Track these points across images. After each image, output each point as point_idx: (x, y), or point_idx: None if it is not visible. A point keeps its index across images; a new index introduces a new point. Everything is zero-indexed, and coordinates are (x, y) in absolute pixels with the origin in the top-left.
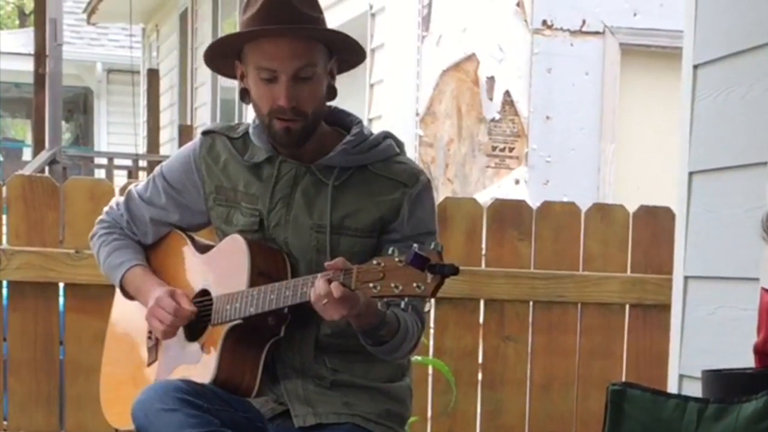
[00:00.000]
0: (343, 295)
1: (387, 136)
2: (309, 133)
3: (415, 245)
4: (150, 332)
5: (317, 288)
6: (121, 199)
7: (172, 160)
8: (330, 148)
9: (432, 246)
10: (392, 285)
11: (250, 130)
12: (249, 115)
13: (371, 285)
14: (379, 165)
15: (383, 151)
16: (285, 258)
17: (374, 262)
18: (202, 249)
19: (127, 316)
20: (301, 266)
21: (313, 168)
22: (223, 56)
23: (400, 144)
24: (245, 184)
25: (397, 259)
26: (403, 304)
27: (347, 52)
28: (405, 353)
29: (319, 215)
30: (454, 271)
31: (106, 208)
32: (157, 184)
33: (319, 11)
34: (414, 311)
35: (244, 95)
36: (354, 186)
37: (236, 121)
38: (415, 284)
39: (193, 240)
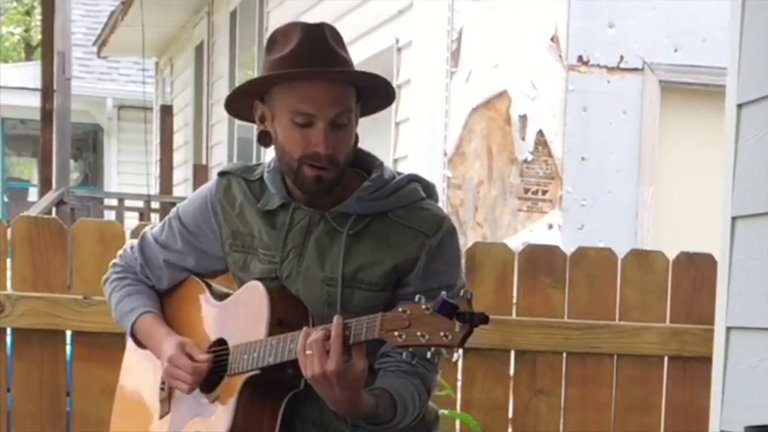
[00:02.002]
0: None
1: (412, 179)
2: (338, 183)
3: (443, 292)
4: (162, 383)
5: (311, 336)
6: (135, 242)
7: (189, 202)
8: (349, 193)
9: (461, 293)
10: (418, 334)
11: (265, 175)
12: (268, 155)
13: (396, 333)
14: (400, 211)
15: (406, 197)
16: (306, 307)
17: (400, 309)
18: (220, 297)
19: (139, 366)
20: (315, 320)
21: (327, 216)
22: (243, 96)
23: (427, 187)
24: (260, 231)
25: (423, 307)
26: (409, 357)
27: (376, 96)
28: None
29: (331, 267)
30: (484, 319)
31: (120, 252)
32: (173, 227)
33: (347, 51)
34: (421, 380)
35: (264, 138)
36: (371, 235)
37: (254, 161)
38: (442, 333)
39: (210, 287)
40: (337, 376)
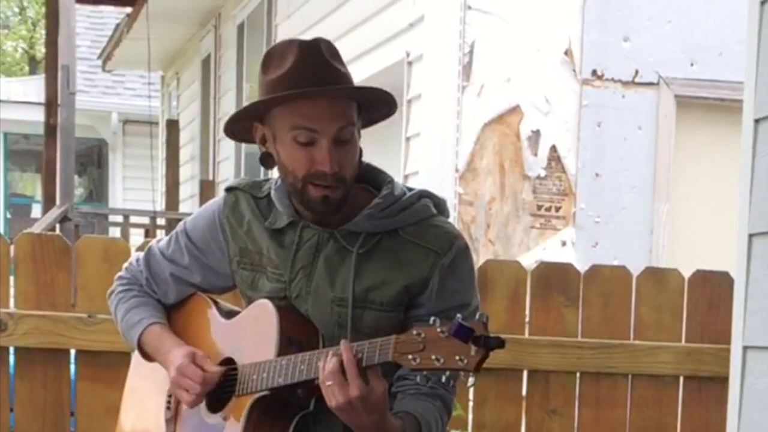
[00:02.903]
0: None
1: (423, 195)
2: (346, 201)
3: (459, 315)
4: (168, 403)
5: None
6: (141, 255)
7: (196, 217)
8: (358, 210)
9: (477, 316)
10: (433, 357)
11: (272, 192)
12: (275, 170)
13: (410, 357)
14: (411, 229)
15: (416, 213)
16: (316, 327)
17: (414, 332)
18: (227, 314)
19: (143, 384)
20: (325, 341)
21: (336, 234)
22: (242, 119)
23: (439, 204)
24: (268, 249)
25: (438, 330)
26: (423, 380)
27: (378, 107)
28: None
29: (342, 287)
30: (500, 344)
31: (125, 264)
32: (180, 242)
33: (345, 65)
34: (442, 401)
35: (267, 160)
36: (381, 254)
37: (262, 177)
38: (457, 357)
39: (217, 304)
40: (361, 401)
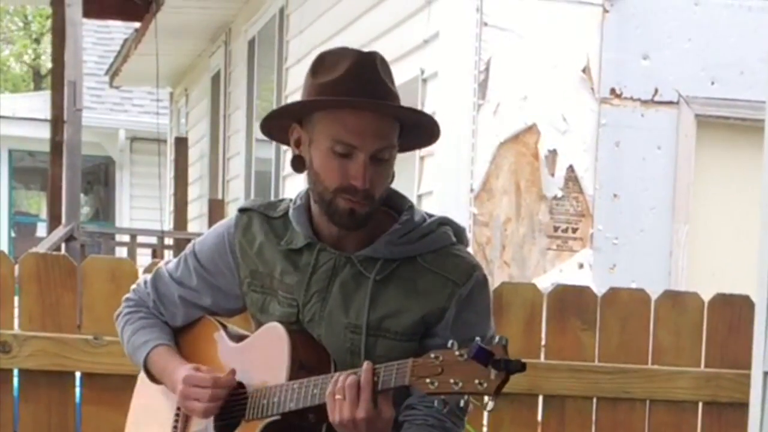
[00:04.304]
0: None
1: (443, 222)
2: (371, 218)
3: (478, 338)
4: (175, 426)
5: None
6: (149, 277)
7: (205, 238)
8: (377, 234)
9: (496, 339)
10: (451, 381)
11: (290, 212)
12: (286, 189)
13: (428, 380)
14: (429, 257)
15: (436, 241)
16: (328, 351)
17: (432, 355)
18: (237, 338)
19: (149, 405)
20: (337, 367)
21: (353, 258)
22: (281, 117)
23: (458, 232)
24: (281, 272)
25: (457, 353)
26: (441, 405)
27: (419, 134)
28: None
29: (356, 314)
30: (521, 367)
31: (133, 286)
32: (189, 264)
33: (395, 85)
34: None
35: (298, 163)
36: (398, 281)
37: (272, 197)
38: (476, 381)
39: (225, 327)
40: (366, 423)
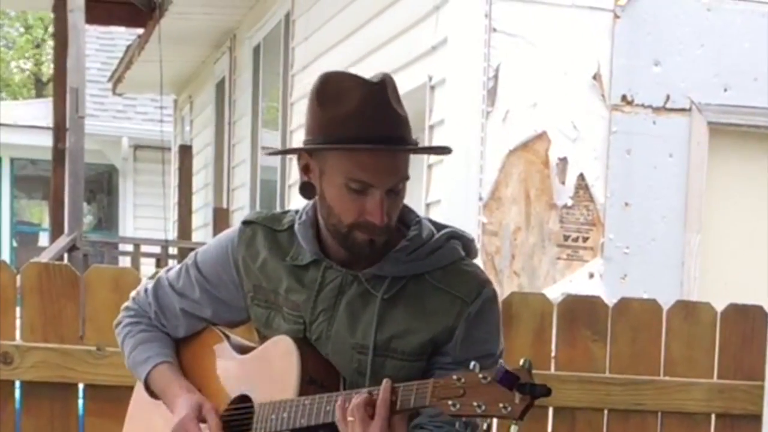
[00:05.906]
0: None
1: (452, 236)
2: (389, 243)
3: (502, 361)
4: None
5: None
6: (150, 284)
7: (208, 249)
8: (385, 250)
9: (521, 363)
10: (474, 404)
11: (296, 226)
12: (292, 198)
13: (450, 402)
14: (438, 273)
15: (444, 257)
16: (337, 369)
17: (454, 377)
18: (241, 349)
19: (147, 419)
20: (346, 385)
21: (361, 277)
22: (290, 152)
23: (468, 246)
24: (287, 288)
25: (480, 376)
26: (462, 427)
27: (429, 153)
28: None
29: (363, 334)
30: (547, 392)
31: (133, 294)
32: (191, 275)
33: (403, 106)
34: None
35: (308, 190)
36: (406, 300)
37: (278, 206)
38: (501, 405)
39: (229, 339)
40: None
